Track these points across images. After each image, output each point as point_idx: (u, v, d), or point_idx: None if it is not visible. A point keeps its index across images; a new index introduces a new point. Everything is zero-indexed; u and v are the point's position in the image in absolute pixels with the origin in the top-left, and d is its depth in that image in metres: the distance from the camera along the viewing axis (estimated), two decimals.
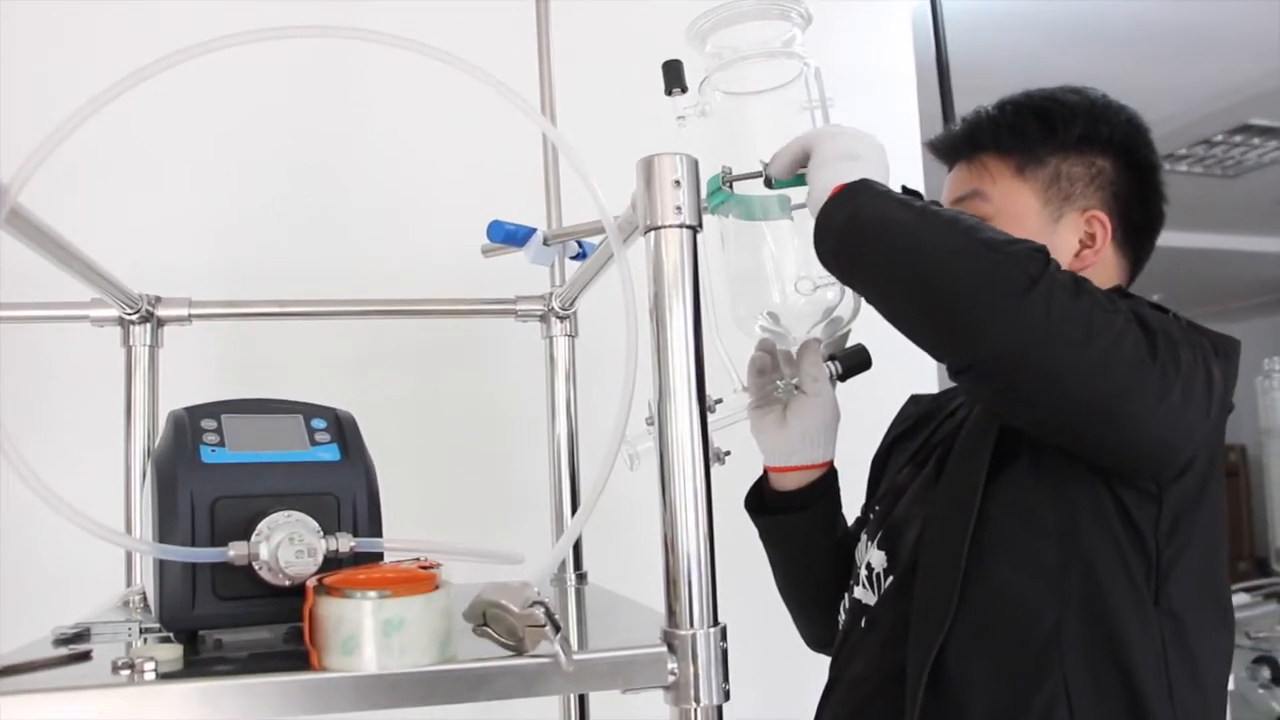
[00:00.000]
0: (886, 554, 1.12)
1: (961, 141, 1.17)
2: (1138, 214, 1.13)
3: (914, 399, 1.32)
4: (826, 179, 0.95)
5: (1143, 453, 0.92)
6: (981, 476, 1.00)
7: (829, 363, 1.16)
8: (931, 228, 0.91)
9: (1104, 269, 1.11)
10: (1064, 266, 1.08)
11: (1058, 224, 1.12)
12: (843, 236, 0.93)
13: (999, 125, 1.13)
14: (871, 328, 1.18)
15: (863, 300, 1.10)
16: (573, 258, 1.33)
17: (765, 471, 1.22)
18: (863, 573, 1.15)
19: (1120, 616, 0.94)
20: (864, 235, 0.92)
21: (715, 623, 0.79)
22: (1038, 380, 0.87)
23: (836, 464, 1.21)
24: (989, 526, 0.99)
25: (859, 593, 1.15)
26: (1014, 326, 0.85)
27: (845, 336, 1.17)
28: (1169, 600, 0.96)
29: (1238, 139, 4.13)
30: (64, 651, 0.82)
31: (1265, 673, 3.47)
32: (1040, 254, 0.88)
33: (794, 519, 1.19)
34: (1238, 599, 3.86)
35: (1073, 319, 0.86)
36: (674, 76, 1.12)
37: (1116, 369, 0.87)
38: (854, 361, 1.17)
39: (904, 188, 0.99)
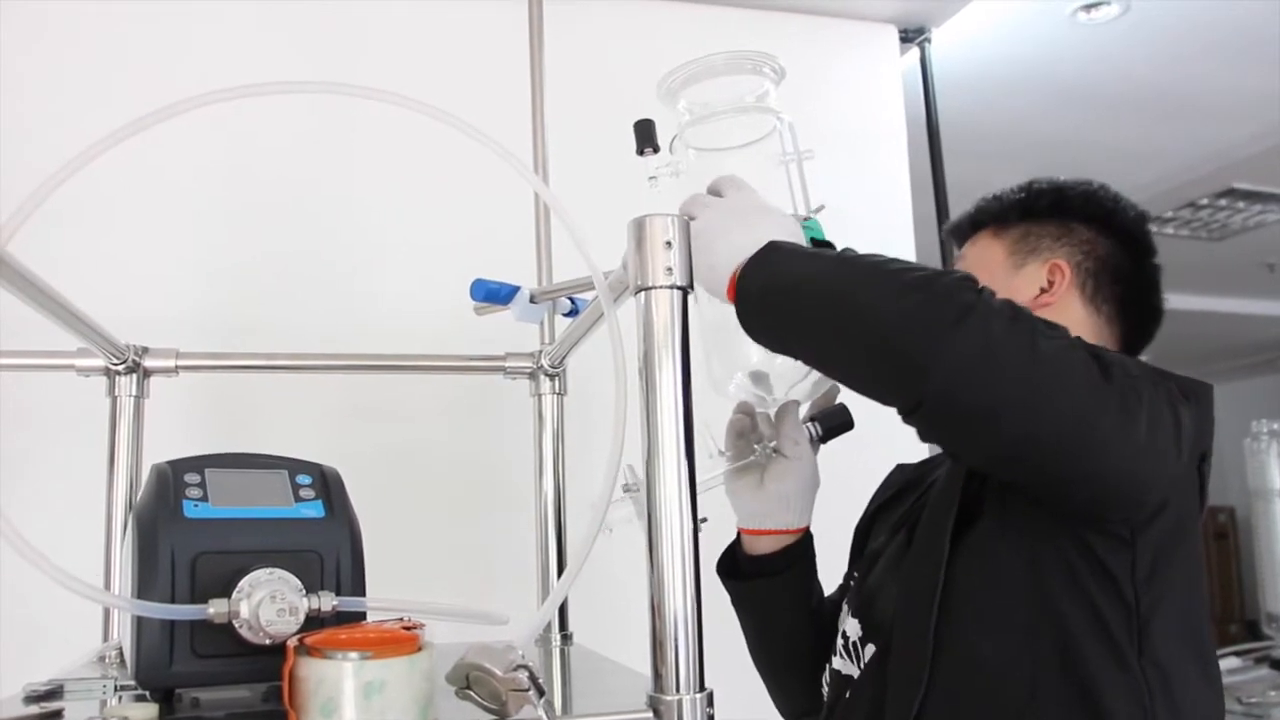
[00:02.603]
0: (860, 622, 1.10)
1: (965, 225, 1.23)
2: (1110, 271, 1.13)
3: (899, 468, 1.29)
4: (717, 277, 0.91)
5: (1110, 486, 0.88)
6: (946, 541, 0.98)
7: (809, 424, 1.14)
8: (854, 273, 0.88)
9: (1063, 316, 1.08)
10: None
11: (1019, 271, 1.14)
12: (765, 305, 0.90)
13: (992, 201, 1.19)
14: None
15: None
16: (565, 314, 1.33)
17: (739, 535, 1.20)
18: (839, 642, 1.13)
19: (1097, 672, 0.92)
20: (786, 297, 0.89)
21: (702, 688, 0.77)
22: (988, 410, 0.83)
23: (823, 531, 1.19)
24: (957, 590, 0.98)
25: (838, 663, 1.13)
26: (954, 358, 0.82)
27: (834, 393, 1.16)
28: (1153, 650, 0.92)
29: (1223, 202, 4.17)
30: (34, 710, 0.80)
31: None
32: (969, 281, 0.86)
33: (766, 584, 1.17)
34: (1229, 663, 3.82)
35: (1014, 343, 0.83)
36: (645, 136, 1.09)
37: (1071, 391, 0.84)
38: (835, 423, 1.15)
39: (813, 241, 0.97)
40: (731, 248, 0.90)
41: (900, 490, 1.23)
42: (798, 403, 1.13)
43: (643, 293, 0.82)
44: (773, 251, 0.90)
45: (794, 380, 1.10)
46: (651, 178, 1.10)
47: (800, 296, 0.89)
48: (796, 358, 0.95)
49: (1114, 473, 0.87)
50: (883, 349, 0.85)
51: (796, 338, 0.92)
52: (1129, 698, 0.91)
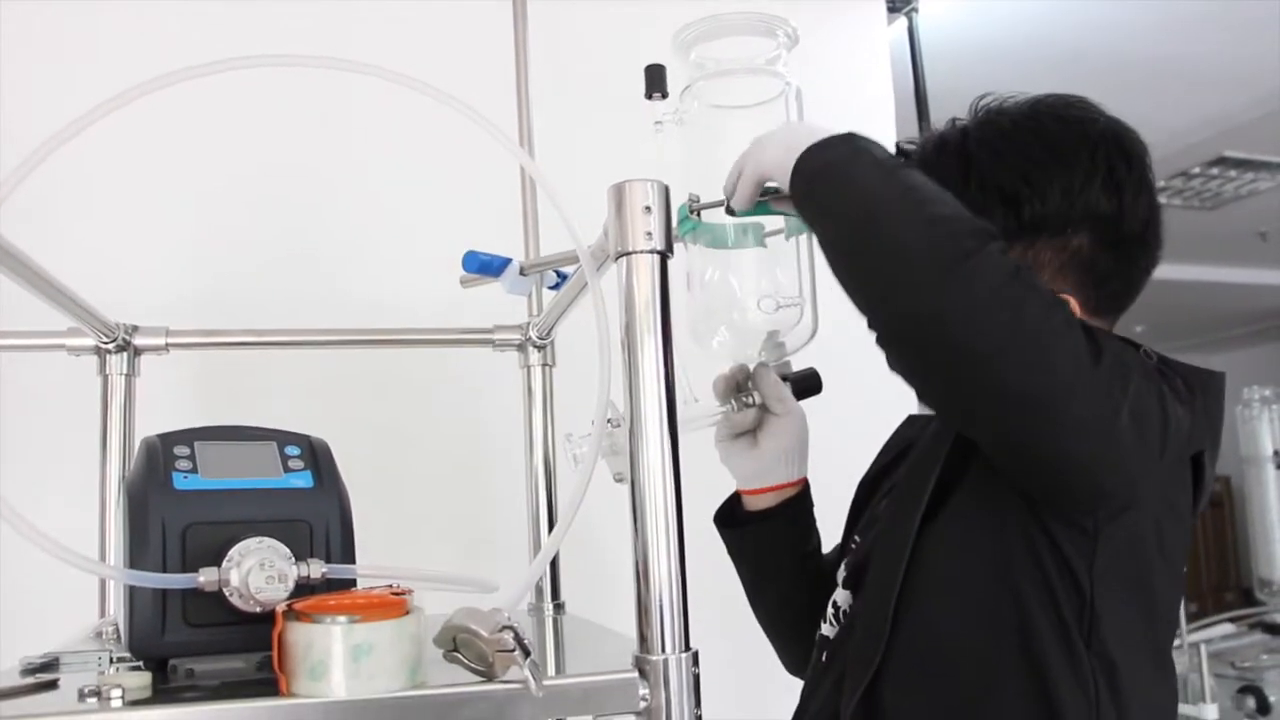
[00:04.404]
0: (851, 592, 1.11)
1: None
2: (1116, 283, 1.07)
3: (910, 420, 1.28)
4: (793, 154, 0.94)
5: (1074, 468, 0.88)
6: (919, 509, 0.98)
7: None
8: (889, 191, 0.89)
9: None
10: None
11: None
12: (813, 184, 0.92)
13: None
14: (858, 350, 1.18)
15: (818, 324, 1.10)
16: (550, 287, 1.34)
17: (738, 495, 1.21)
18: (829, 610, 1.14)
19: (1050, 656, 0.92)
20: (830, 185, 0.92)
21: (687, 648, 0.78)
22: (962, 358, 0.84)
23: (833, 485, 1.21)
24: (925, 560, 0.97)
25: (825, 629, 1.14)
26: (940, 296, 0.83)
27: (789, 363, 1.17)
28: (1101, 644, 0.92)
29: (1215, 171, 4.17)
30: (30, 681, 0.81)
31: (1250, 702, 3.47)
32: (983, 233, 0.86)
33: (762, 528, 1.18)
34: (1223, 629, 3.86)
35: (1003, 300, 0.83)
36: (655, 81, 1.11)
37: (1053, 363, 0.83)
38: (806, 385, 1.16)
39: (899, 147, 0.99)
40: (808, 136, 0.93)
41: (907, 449, 1.21)
42: (766, 364, 1.14)
43: (623, 258, 0.83)
44: (845, 141, 0.92)
45: (757, 342, 1.11)
46: (657, 123, 1.11)
47: (838, 191, 0.91)
48: (820, 241, 0.95)
49: (1081, 454, 0.86)
50: (880, 268, 0.87)
51: (824, 225, 0.93)
52: (1076, 683, 0.92)
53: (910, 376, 0.91)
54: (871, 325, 0.89)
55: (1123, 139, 1.05)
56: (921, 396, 0.97)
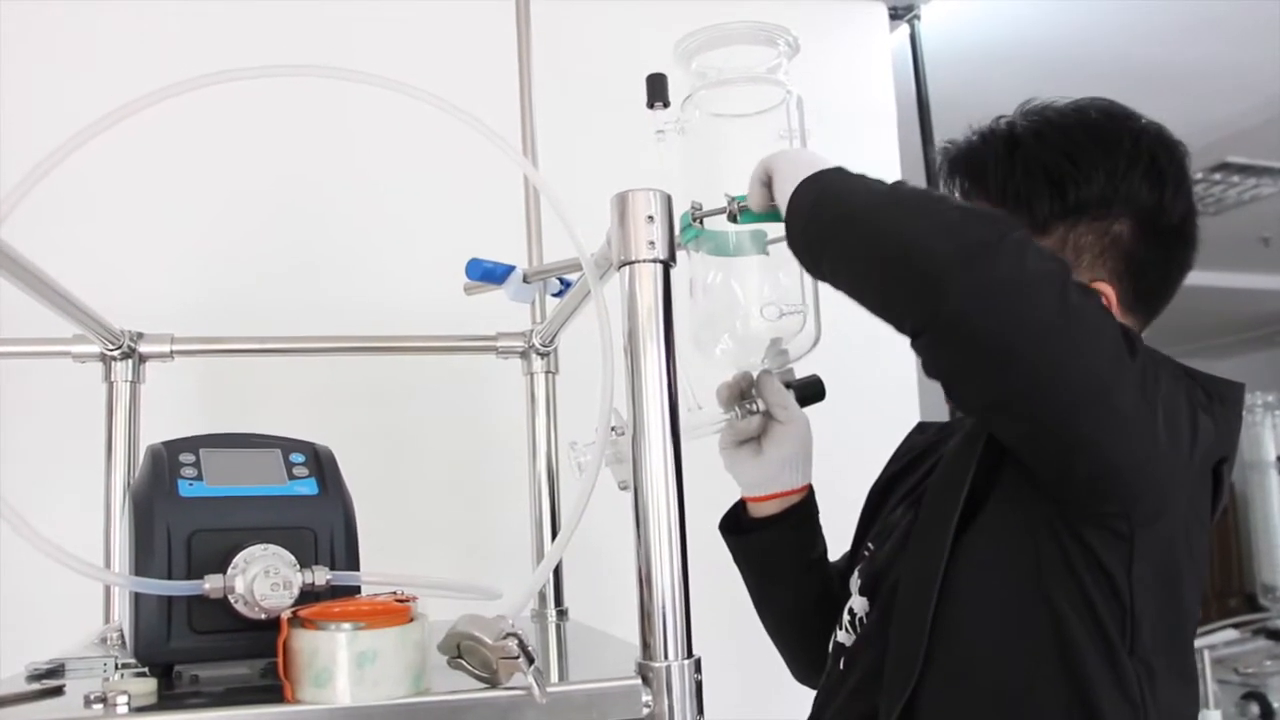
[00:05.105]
0: (869, 600, 1.10)
1: (964, 174, 1.11)
2: (1153, 276, 1.06)
3: (920, 427, 1.29)
4: (791, 188, 0.94)
5: (1112, 465, 0.86)
6: (952, 523, 0.97)
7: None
8: (901, 193, 0.89)
9: None
10: None
11: None
12: (811, 216, 0.92)
13: (1009, 175, 1.05)
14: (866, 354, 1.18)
15: (821, 331, 1.11)
16: (554, 294, 1.34)
17: (744, 502, 1.21)
18: (845, 617, 1.13)
19: (1089, 664, 0.91)
20: (832, 206, 0.91)
21: (690, 655, 0.79)
22: (1006, 345, 0.81)
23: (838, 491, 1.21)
24: (960, 575, 0.97)
25: (841, 636, 1.14)
26: (982, 279, 0.80)
27: (792, 370, 1.17)
28: (1143, 648, 0.92)
29: (1217, 177, 4.17)
30: (36, 687, 0.82)
31: (1254, 708, 3.45)
32: (1002, 220, 0.85)
33: (767, 535, 1.19)
34: (1226, 635, 3.85)
35: (1047, 285, 0.81)
36: (657, 90, 1.11)
37: (1096, 352, 0.81)
38: (809, 392, 1.17)
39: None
40: (799, 169, 0.94)
41: (919, 455, 1.22)
42: (770, 371, 1.14)
43: (626, 267, 0.83)
44: (827, 173, 0.93)
45: (761, 350, 1.11)
46: (659, 131, 1.11)
47: (842, 207, 0.90)
48: (830, 278, 0.94)
49: (1120, 451, 0.85)
50: (909, 260, 0.84)
51: (832, 249, 0.92)
52: (1120, 692, 0.91)
53: (951, 375, 0.88)
54: (908, 330, 0.86)
55: (1164, 134, 1.07)
56: (959, 396, 0.92)
